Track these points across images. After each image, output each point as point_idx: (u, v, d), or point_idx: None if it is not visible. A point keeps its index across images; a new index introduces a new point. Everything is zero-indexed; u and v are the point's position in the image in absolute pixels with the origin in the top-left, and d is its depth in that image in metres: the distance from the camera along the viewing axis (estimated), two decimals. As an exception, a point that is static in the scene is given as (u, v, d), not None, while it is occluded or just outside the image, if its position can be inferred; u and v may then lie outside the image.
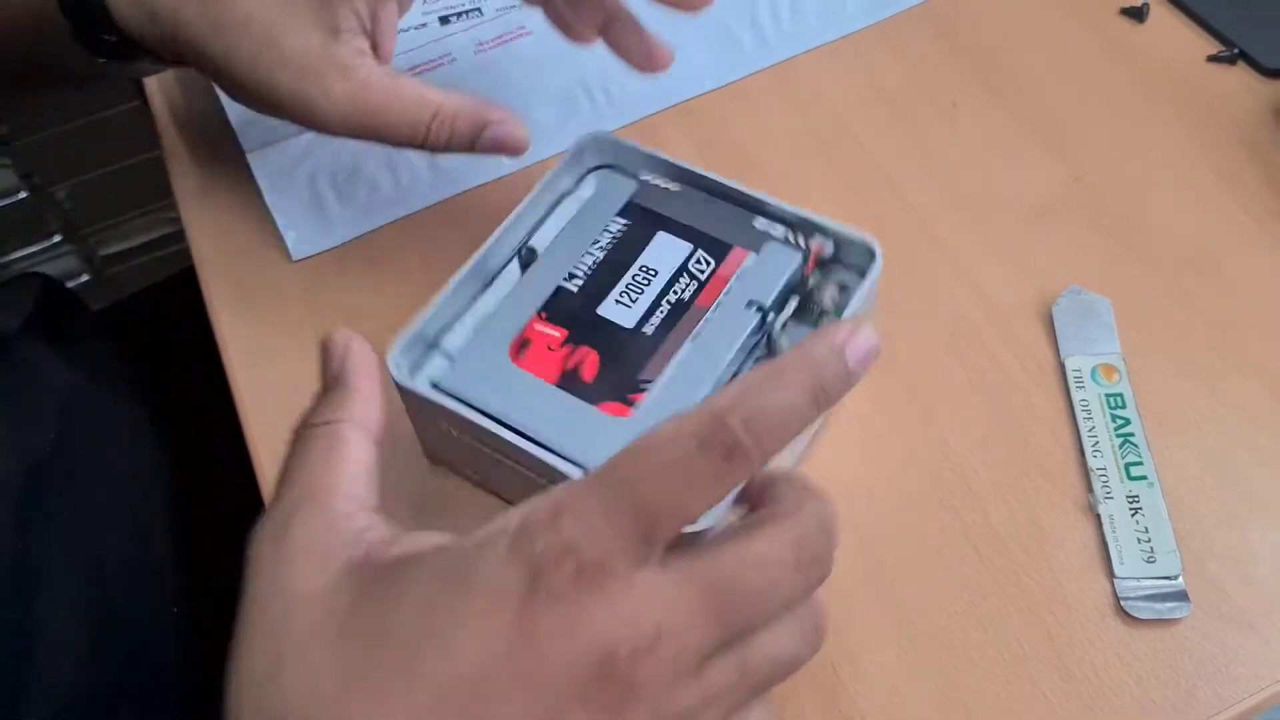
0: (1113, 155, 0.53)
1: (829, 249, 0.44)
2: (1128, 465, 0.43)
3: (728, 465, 0.28)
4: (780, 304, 0.43)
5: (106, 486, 0.49)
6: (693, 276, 0.44)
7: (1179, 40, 0.57)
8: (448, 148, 0.45)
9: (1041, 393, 0.46)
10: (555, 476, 0.39)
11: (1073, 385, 0.46)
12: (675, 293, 0.44)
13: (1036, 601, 0.41)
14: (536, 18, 0.61)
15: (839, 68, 0.58)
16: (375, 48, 0.45)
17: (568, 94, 0.58)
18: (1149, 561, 0.41)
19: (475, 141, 0.45)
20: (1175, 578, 0.41)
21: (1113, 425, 0.44)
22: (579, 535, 0.27)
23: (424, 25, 0.61)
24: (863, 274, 0.43)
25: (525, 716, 0.26)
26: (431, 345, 0.44)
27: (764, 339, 0.43)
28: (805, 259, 0.44)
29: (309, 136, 0.57)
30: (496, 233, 0.45)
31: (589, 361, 0.43)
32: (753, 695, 0.30)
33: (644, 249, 0.45)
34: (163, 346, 0.61)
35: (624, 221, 0.46)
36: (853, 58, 0.58)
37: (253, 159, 0.56)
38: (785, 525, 0.29)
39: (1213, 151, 0.53)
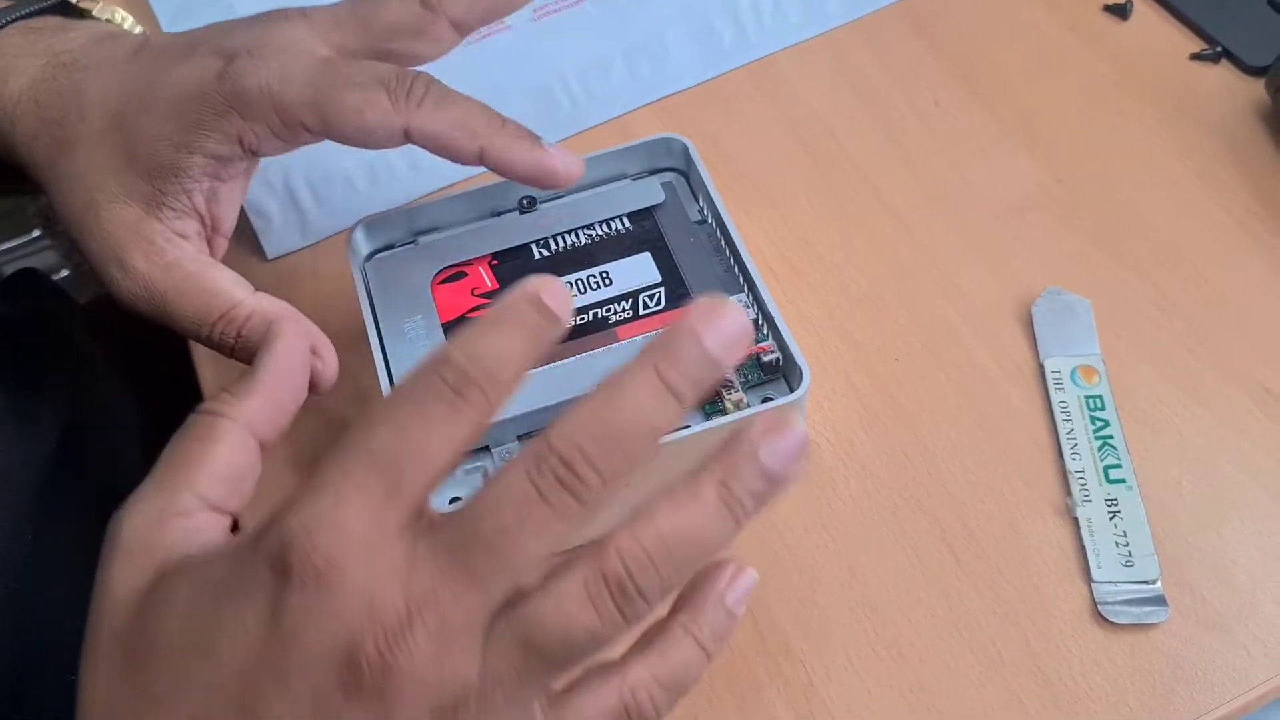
0: (1093, 155, 0.53)
1: (774, 357, 0.42)
2: (1106, 468, 0.43)
3: (461, 399, 0.27)
4: None
5: (114, 482, 0.49)
6: (634, 306, 0.44)
7: (1162, 38, 0.57)
8: (235, 353, 0.42)
9: (1020, 394, 0.46)
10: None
11: (1052, 387, 0.45)
12: (607, 310, 0.44)
13: (1013, 606, 0.41)
14: (515, 14, 0.60)
15: (817, 66, 0.57)
16: (214, 226, 0.43)
17: (546, 90, 0.57)
18: (1127, 566, 0.41)
19: None
20: (1153, 582, 0.40)
21: (1092, 427, 0.44)
22: (318, 512, 0.27)
23: (402, 20, 0.61)
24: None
25: (293, 714, 0.26)
26: (414, 235, 0.47)
27: None
28: None
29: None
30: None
31: None
32: (548, 676, 0.28)
33: (620, 258, 0.45)
34: (147, 340, 0.60)
35: (629, 225, 0.46)
36: (831, 56, 0.58)
37: None
38: (521, 455, 0.27)
39: (1194, 151, 0.52)
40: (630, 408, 0.27)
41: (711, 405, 0.42)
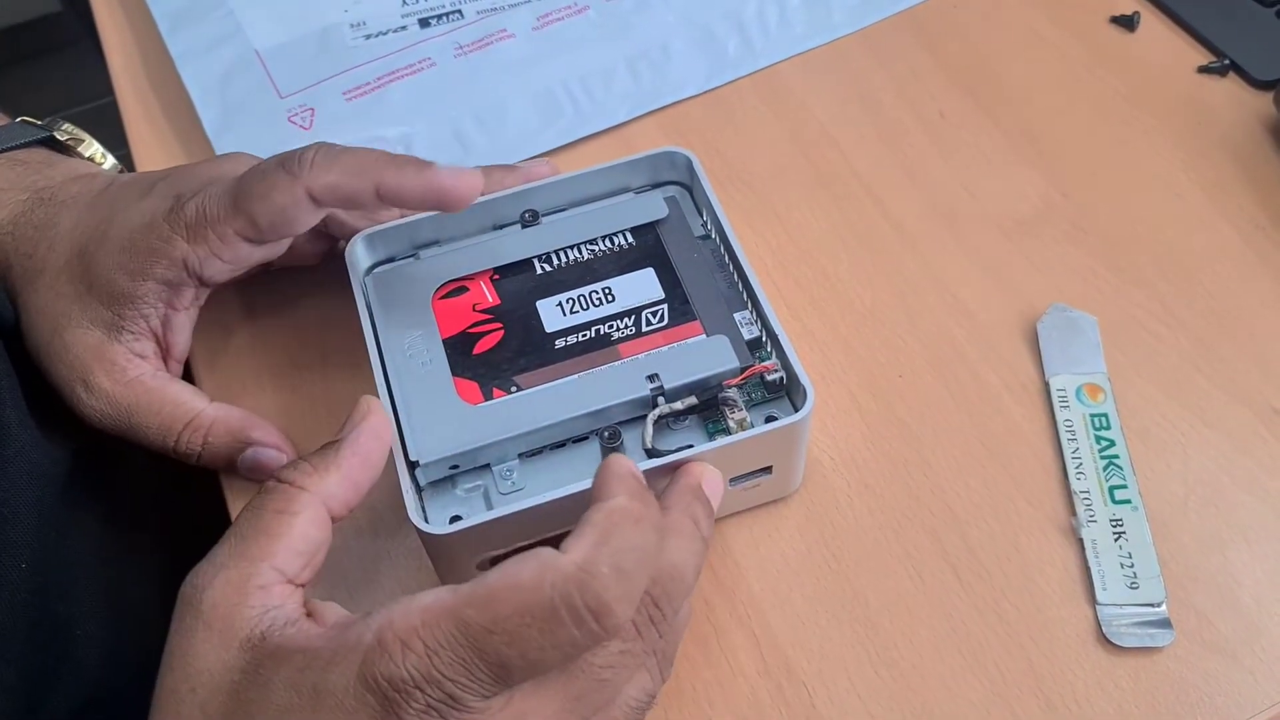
0: (1100, 169, 0.52)
1: (778, 375, 0.41)
2: (1111, 488, 0.43)
3: (587, 627, 0.30)
4: (680, 395, 0.41)
5: (127, 489, 0.50)
6: (637, 323, 0.43)
7: (1169, 50, 0.56)
8: (201, 461, 0.44)
9: (1025, 412, 0.45)
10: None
11: (1057, 405, 0.45)
12: (610, 327, 0.43)
13: (1016, 628, 0.40)
14: (518, 20, 0.60)
15: (822, 76, 0.57)
16: (167, 350, 0.45)
17: (549, 97, 0.57)
18: (1132, 588, 0.40)
19: (234, 459, 0.44)
20: (1159, 605, 0.40)
21: (1097, 446, 0.44)
22: (431, 671, 0.29)
23: (404, 28, 0.60)
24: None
25: None
26: (415, 249, 0.47)
27: (647, 419, 0.41)
28: (740, 370, 0.41)
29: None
30: (537, 183, 0.47)
31: (490, 338, 0.43)
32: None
33: (623, 274, 0.45)
34: None
35: (631, 240, 0.46)
36: (836, 66, 0.57)
37: None
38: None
39: (1201, 165, 0.52)
40: (686, 553, 0.35)
41: (715, 425, 0.41)
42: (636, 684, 0.34)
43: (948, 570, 0.42)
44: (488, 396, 0.41)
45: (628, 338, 0.43)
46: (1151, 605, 0.40)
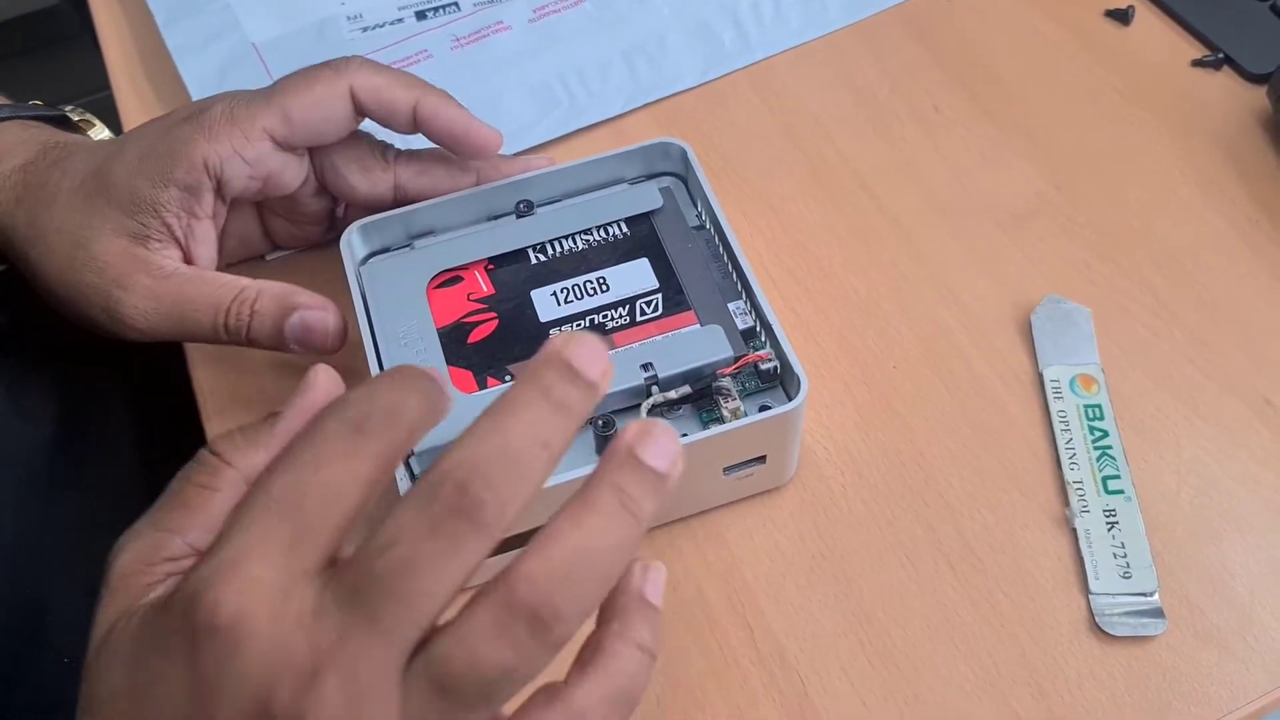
0: (1094, 162, 0.52)
1: (772, 365, 0.41)
2: (1105, 479, 0.43)
3: (361, 434, 0.27)
4: (673, 384, 0.41)
5: (107, 470, 0.50)
6: (631, 312, 0.43)
7: (1163, 44, 0.56)
8: (250, 335, 0.43)
9: (1019, 403, 0.45)
10: None
11: (1051, 396, 0.45)
12: (605, 317, 0.43)
13: (1009, 617, 0.40)
14: (514, 12, 0.60)
15: (817, 69, 0.57)
16: (191, 260, 0.45)
17: (545, 89, 0.57)
18: (1125, 577, 0.41)
19: (281, 327, 0.43)
20: (1151, 594, 0.40)
21: (1090, 437, 0.44)
22: (221, 562, 0.26)
23: (400, 21, 0.61)
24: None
25: None
26: (410, 238, 0.47)
27: (641, 407, 0.41)
28: (733, 360, 0.41)
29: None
30: (533, 173, 0.47)
31: (485, 327, 0.43)
32: (472, 715, 0.27)
33: (618, 264, 0.45)
34: None
35: (626, 230, 0.46)
36: (831, 60, 0.57)
37: None
38: (413, 488, 0.27)
39: (1195, 159, 0.52)
40: (522, 425, 0.27)
41: (709, 414, 0.42)
42: (476, 624, 0.27)
43: (941, 560, 0.42)
44: (482, 386, 0.42)
45: (622, 327, 0.43)
46: (1144, 595, 0.40)
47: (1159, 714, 0.38)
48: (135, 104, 0.59)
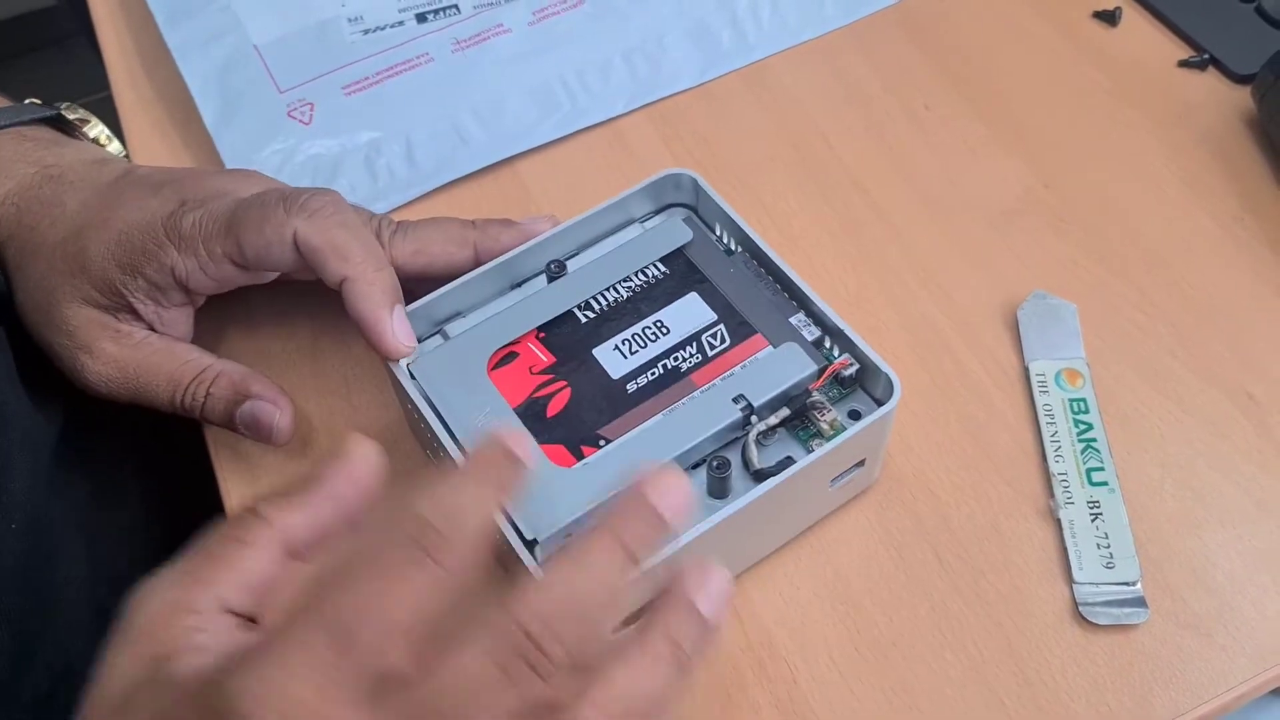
0: (1081, 160, 0.53)
1: (852, 370, 0.42)
2: (1089, 470, 0.43)
3: (421, 553, 0.28)
4: (770, 409, 0.41)
5: (115, 457, 0.51)
6: (701, 349, 0.42)
7: (1150, 45, 0.57)
8: (204, 414, 0.45)
9: (1005, 397, 0.46)
10: None
11: (1036, 390, 0.46)
12: (676, 359, 0.42)
13: (995, 607, 0.41)
14: (515, 14, 0.61)
15: (810, 69, 0.58)
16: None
17: (546, 90, 0.58)
18: (1108, 567, 0.41)
19: (233, 413, 0.44)
20: (1134, 584, 0.41)
21: (1075, 430, 0.44)
22: (263, 676, 0.26)
23: (401, 23, 0.61)
24: (880, 405, 0.41)
25: None
26: (438, 326, 0.45)
27: (747, 440, 0.41)
28: (819, 373, 0.41)
29: (287, 146, 0.56)
30: (541, 237, 0.45)
31: (560, 398, 0.42)
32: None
33: (668, 304, 0.44)
34: None
35: (664, 269, 0.45)
36: (824, 59, 0.58)
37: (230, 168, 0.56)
38: (483, 629, 0.28)
39: (1181, 157, 0.53)
40: (593, 577, 0.28)
41: (806, 431, 0.41)
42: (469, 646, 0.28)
43: (928, 550, 0.42)
44: (579, 456, 0.40)
45: (697, 365, 0.42)
46: (1127, 584, 0.41)
47: (1141, 701, 0.39)
48: (135, 105, 0.59)
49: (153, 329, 0.45)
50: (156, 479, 0.52)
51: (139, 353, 0.44)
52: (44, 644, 0.43)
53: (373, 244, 0.42)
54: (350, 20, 0.61)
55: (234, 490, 0.46)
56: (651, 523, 0.30)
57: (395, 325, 0.41)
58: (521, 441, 0.31)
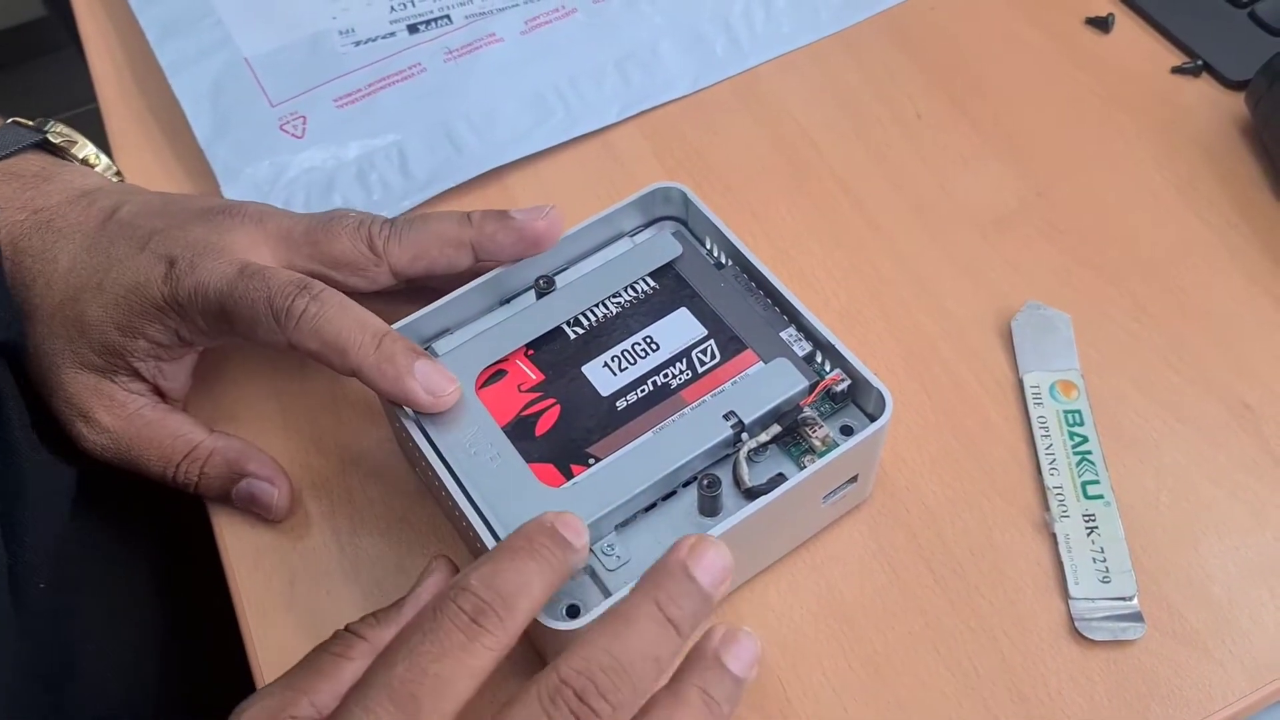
0: (1074, 168, 0.53)
1: (843, 385, 0.41)
2: (1084, 484, 0.43)
3: (478, 628, 0.31)
4: (761, 426, 0.41)
5: (134, 502, 0.50)
6: (691, 365, 0.42)
7: (1143, 51, 0.57)
8: (199, 490, 0.45)
9: (999, 409, 0.46)
10: (464, 520, 0.39)
11: (1031, 402, 0.45)
12: (665, 376, 0.42)
13: (990, 622, 0.41)
14: (507, 24, 0.60)
15: (800, 77, 0.58)
16: (164, 394, 0.45)
17: (539, 98, 0.58)
18: (1104, 582, 0.41)
19: (229, 491, 0.45)
20: (1130, 598, 0.41)
21: (1070, 443, 0.44)
22: None
23: (392, 35, 0.61)
24: (872, 420, 0.41)
25: None
26: (425, 343, 0.44)
27: (734, 457, 0.40)
28: (810, 388, 0.41)
29: (280, 160, 0.56)
30: (523, 259, 0.45)
31: (548, 416, 0.41)
32: None
33: (658, 320, 0.43)
34: None
35: (654, 284, 0.44)
36: (814, 67, 0.58)
37: (224, 184, 0.55)
38: (533, 687, 0.31)
39: (1175, 164, 0.52)
40: (637, 640, 0.31)
41: (798, 447, 0.41)
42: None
43: (922, 565, 0.42)
44: (568, 476, 0.40)
45: (687, 382, 0.42)
46: (1123, 599, 0.41)
47: (1138, 718, 0.39)
48: (125, 117, 0.59)
49: (155, 383, 0.45)
50: (171, 524, 0.52)
51: (131, 426, 0.44)
52: (65, 699, 0.43)
53: (365, 319, 0.41)
54: (341, 32, 0.61)
55: (227, 533, 0.45)
56: (696, 598, 0.32)
57: (423, 384, 0.40)
58: (576, 525, 0.34)
